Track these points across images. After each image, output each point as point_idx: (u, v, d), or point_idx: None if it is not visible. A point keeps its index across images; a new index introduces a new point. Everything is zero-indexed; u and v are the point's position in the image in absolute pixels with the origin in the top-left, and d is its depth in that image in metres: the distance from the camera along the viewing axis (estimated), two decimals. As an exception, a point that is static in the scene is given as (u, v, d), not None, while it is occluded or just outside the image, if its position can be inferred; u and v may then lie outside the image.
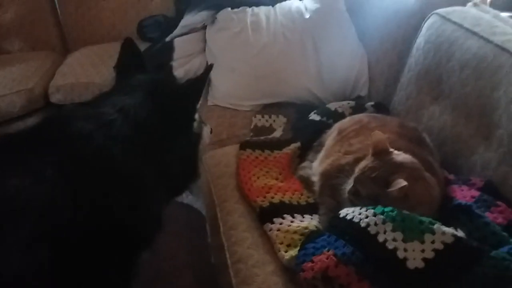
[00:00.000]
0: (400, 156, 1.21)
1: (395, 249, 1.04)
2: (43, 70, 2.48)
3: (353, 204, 1.21)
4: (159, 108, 1.08)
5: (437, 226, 1.06)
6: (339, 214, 1.20)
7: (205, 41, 2.06)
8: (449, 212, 1.23)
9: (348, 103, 1.80)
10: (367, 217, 1.11)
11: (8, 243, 0.81)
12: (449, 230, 1.06)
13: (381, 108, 1.77)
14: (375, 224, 1.09)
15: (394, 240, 1.05)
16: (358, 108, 1.78)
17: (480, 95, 1.40)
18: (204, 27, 2.09)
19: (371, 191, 1.16)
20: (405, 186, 1.09)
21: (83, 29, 2.68)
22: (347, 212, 1.18)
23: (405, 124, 1.47)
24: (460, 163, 1.44)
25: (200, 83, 1.18)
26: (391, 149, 1.22)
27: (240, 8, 2.06)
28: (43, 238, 0.83)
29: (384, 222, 1.08)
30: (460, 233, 1.10)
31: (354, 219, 1.14)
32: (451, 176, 1.39)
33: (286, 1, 2.13)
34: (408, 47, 1.77)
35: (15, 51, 2.67)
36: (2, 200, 0.84)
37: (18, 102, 2.24)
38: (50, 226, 0.84)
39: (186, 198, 2.25)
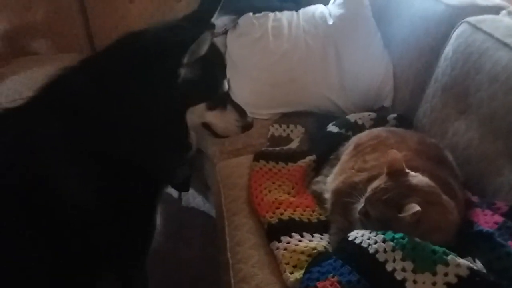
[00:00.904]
0: (416, 178, 1.13)
1: (404, 280, 0.97)
2: (68, 72, 2.49)
3: (364, 226, 1.15)
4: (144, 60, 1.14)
5: (451, 257, 0.98)
6: (348, 236, 1.13)
7: (225, 46, 2.02)
8: (469, 238, 1.15)
9: (369, 115, 1.72)
10: (376, 242, 1.04)
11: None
12: (465, 262, 0.98)
13: (404, 121, 1.68)
14: (384, 251, 1.02)
15: (404, 270, 0.98)
16: (380, 120, 1.69)
17: (509, 111, 1.31)
18: (225, 32, 2.05)
19: (381, 214, 1.09)
20: (418, 211, 1.02)
21: (110, 31, 2.66)
22: (356, 235, 1.11)
23: (426, 140, 1.39)
24: (485, 184, 1.34)
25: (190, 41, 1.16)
26: (407, 170, 1.14)
27: (262, 13, 2.00)
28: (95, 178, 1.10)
29: (393, 250, 1.01)
30: (477, 265, 1.03)
31: (362, 244, 1.07)
32: (475, 198, 1.31)
33: (311, 6, 2.06)
34: (436, 56, 1.68)
35: (43, 52, 2.70)
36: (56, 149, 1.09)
37: (41, 104, 2.26)
38: (96, 171, 1.10)
39: (204, 206, 2.22)
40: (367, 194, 1.14)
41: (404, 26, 1.86)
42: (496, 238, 1.11)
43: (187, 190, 2.11)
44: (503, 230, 1.15)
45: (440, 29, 1.70)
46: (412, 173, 1.15)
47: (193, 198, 2.24)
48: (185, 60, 1.14)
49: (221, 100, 1.31)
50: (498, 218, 1.18)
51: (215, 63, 1.27)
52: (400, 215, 1.04)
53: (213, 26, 1.29)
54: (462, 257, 1.04)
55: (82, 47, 2.76)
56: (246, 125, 1.36)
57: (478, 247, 1.11)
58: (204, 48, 1.17)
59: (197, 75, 1.18)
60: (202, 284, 1.87)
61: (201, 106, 1.23)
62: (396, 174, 1.13)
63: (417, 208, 1.01)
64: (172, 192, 2.31)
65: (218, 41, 2.05)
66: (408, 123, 1.68)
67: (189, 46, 1.13)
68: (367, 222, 1.13)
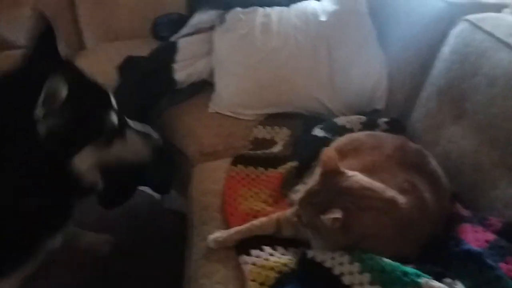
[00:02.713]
0: (351, 179, 1.01)
1: (371, 308, 0.86)
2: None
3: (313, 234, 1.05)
4: None
5: (425, 280, 0.86)
6: (306, 254, 1.02)
7: (211, 43, 1.91)
8: (456, 257, 1.03)
9: (359, 118, 1.60)
10: (341, 264, 0.93)
11: None
12: (440, 286, 0.85)
13: (396, 125, 1.56)
14: (350, 273, 0.90)
15: (372, 296, 0.87)
16: (370, 124, 1.57)
17: (508, 117, 1.20)
18: (212, 28, 1.94)
19: (309, 219, 0.99)
20: (338, 218, 0.91)
21: (98, 26, 2.59)
22: (315, 253, 1.01)
23: (408, 146, 1.26)
24: (478, 197, 1.23)
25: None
26: (343, 170, 1.03)
27: (251, 8, 1.89)
28: None
29: (361, 272, 0.89)
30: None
31: (325, 264, 0.96)
32: (466, 212, 1.19)
33: (303, 2, 1.94)
34: (433, 56, 1.56)
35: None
36: None
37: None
38: None
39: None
40: (299, 196, 1.04)
41: (401, 24, 1.75)
42: (485, 258, 0.99)
43: (167, 193, 2.01)
44: (495, 250, 1.04)
45: (438, 27, 1.58)
46: (351, 173, 1.03)
47: (176, 200, 2.13)
48: (40, 115, 0.98)
49: (115, 133, 1.15)
50: (490, 236, 1.07)
51: (87, 100, 1.10)
52: (322, 217, 0.93)
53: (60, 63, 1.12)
54: (442, 279, 0.93)
55: (71, 42, 2.67)
56: (156, 145, 1.26)
57: (466, 267, 1.00)
58: (60, 93, 0.99)
59: (64, 123, 1.01)
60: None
61: (88, 149, 1.09)
62: (330, 174, 1.02)
63: (337, 214, 0.91)
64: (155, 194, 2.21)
65: (203, 37, 1.96)
66: (401, 128, 1.55)
67: (36, 101, 0.96)
68: (302, 227, 1.04)
